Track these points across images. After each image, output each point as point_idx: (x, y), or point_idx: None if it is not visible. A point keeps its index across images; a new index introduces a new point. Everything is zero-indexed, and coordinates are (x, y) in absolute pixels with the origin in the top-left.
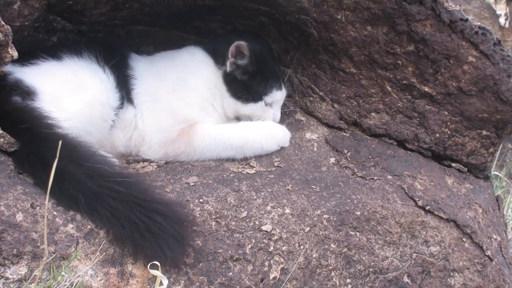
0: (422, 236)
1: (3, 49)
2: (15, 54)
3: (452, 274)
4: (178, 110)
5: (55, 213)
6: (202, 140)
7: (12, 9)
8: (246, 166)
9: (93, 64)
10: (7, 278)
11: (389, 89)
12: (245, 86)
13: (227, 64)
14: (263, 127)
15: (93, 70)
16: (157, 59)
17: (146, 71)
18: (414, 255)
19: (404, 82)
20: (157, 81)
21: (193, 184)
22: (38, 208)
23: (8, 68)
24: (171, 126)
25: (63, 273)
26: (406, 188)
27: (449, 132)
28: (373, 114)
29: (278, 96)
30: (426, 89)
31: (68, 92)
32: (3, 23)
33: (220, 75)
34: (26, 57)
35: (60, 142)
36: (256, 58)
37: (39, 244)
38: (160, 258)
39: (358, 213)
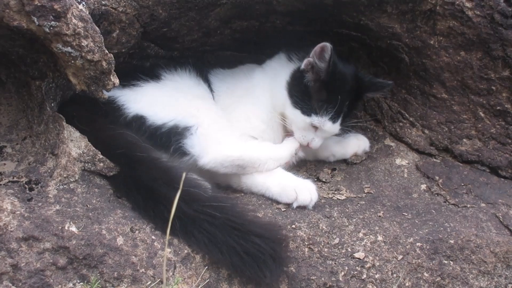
0: None
1: (106, 77)
2: (116, 81)
3: None
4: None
5: (153, 237)
6: None
7: (111, 37)
8: (335, 192)
9: (193, 79)
10: None
11: (482, 115)
12: (304, 92)
13: (304, 61)
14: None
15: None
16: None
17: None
18: (510, 285)
19: (498, 108)
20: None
21: (285, 209)
22: (137, 232)
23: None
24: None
25: None
26: (500, 217)
27: None
28: (465, 140)
29: (327, 126)
30: None
31: None
32: (107, 51)
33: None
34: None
35: (183, 175)
36: (333, 69)
37: (138, 268)
38: (259, 279)
39: (452, 241)
